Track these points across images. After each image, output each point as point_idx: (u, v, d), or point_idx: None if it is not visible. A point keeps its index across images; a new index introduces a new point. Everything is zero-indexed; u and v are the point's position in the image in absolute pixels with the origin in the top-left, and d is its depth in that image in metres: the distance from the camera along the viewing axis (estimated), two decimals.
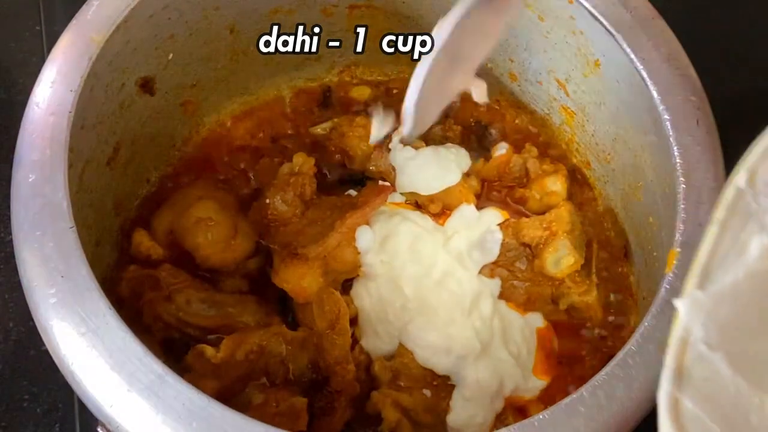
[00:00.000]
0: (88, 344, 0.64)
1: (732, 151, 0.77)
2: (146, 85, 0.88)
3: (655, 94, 0.78)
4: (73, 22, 0.79)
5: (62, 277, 0.66)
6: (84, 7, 0.79)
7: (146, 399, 0.62)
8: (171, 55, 0.90)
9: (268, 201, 0.92)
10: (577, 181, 1.00)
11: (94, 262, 0.69)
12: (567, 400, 0.64)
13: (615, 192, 0.95)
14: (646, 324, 0.67)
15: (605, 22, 0.82)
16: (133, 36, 0.81)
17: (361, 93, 1.08)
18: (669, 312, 0.68)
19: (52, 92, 0.74)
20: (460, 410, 0.83)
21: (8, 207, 0.71)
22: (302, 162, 0.94)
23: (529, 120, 1.05)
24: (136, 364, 0.63)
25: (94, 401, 0.63)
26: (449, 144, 0.99)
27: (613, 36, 0.81)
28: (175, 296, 0.86)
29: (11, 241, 0.70)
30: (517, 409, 0.86)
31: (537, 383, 0.87)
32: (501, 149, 0.98)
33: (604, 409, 0.64)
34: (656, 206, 0.82)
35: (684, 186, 0.73)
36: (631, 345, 0.66)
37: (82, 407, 0.90)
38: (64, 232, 0.68)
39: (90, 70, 0.76)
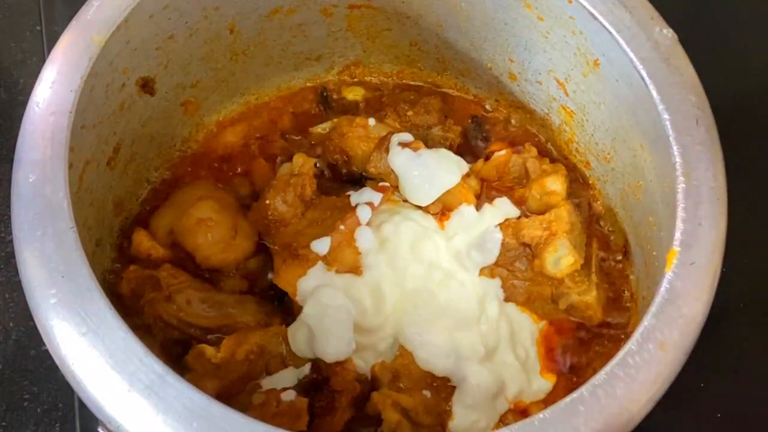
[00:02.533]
0: (88, 344, 0.64)
1: (732, 150, 0.78)
2: (146, 86, 0.88)
3: (654, 93, 0.78)
4: (73, 22, 0.79)
5: (62, 277, 0.66)
6: (84, 7, 0.79)
7: (147, 399, 0.62)
8: (171, 55, 0.90)
9: (268, 202, 0.92)
10: (577, 180, 1.00)
11: (94, 262, 0.69)
12: (567, 399, 0.64)
13: (615, 192, 0.95)
14: (645, 323, 0.67)
15: (605, 22, 0.82)
16: (133, 36, 0.81)
17: (355, 93, 1.08)
18: (669, 312, 0.68)
19: (52, 92, 0.74)
20: (462, 417, 0.83)
21: (8, 207, 0.71)
22: (302, 162, 0.94)
23: (529, 120, 1.05)
24: (137, 363, 0.64)
25: (95, 401, 0.63)
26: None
27: (612, 35, 0.81)
28: (176, 296, 0.86)
29: (11, 241, 0.70)
30: (519, 412, 0.86)
31: (543, 386, 0.87)
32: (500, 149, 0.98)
33: (604, 409, 0.64)
34: (656, 206, 0.82)
35: (684, 185, 0.73)
36: (631, 344, 0.66)
37: (82, 407, 0.91)
38: (65, 232, 0.68)
39: (90, 70, 0.76)
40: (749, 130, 1.06)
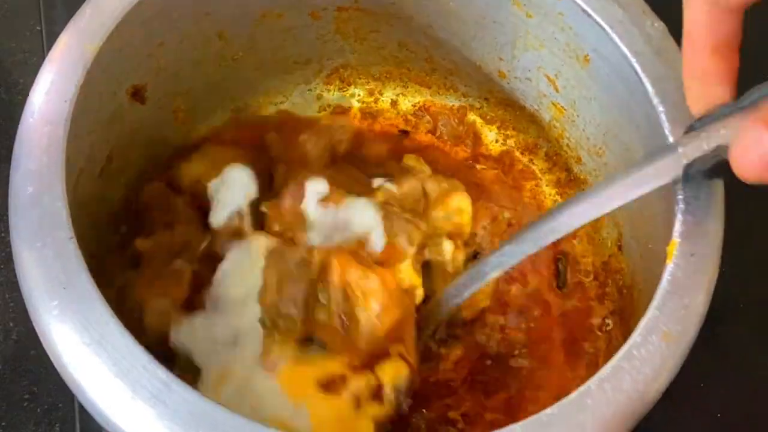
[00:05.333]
0: (91, 353, 0.64)
1: None
2: (138, 93, 0.88)
3: (648, 86, 0.78)
4: (67, 30, 0.78)
5: (64, 288, 0.66)
6: (77, 15, 0.79)
7: (152, 406, 0.62)
8: (162, 62, 0.89)
9: None
10: (569, 176, 1.01)
11: (93, 272, 0.68)
12: (574, 394, 0.64)
13: None
14: (649, 316, 0.68)
15: (596, 17, 0.82)
16: (125, 44, 0.81)
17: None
18: (671, 303, 0.68)
19: (47, 102, 0.74)
20: None
21: (8, 206, 0.70)
22: None
23: (518, 117, 1.05)
24: (141, 371, 0.63)
25: (99, 410, 0.63)
26: None
27: (604, 30, 0.81)
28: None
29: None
30: None
31: None
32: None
33: (611, 402, 0.64)
34: (650, 198, 0.82)
35: None
36: (635, 337, 0.67)
37: (82, 408, 0.90)
38: (64, 242, 0.67)
39: (84, 79, 0.75)
40: None
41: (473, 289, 0.83)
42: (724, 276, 0.71)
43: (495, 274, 0.80)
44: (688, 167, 0.68)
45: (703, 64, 0.66)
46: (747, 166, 0.59)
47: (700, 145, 0.67)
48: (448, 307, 0.86)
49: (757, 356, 1.01)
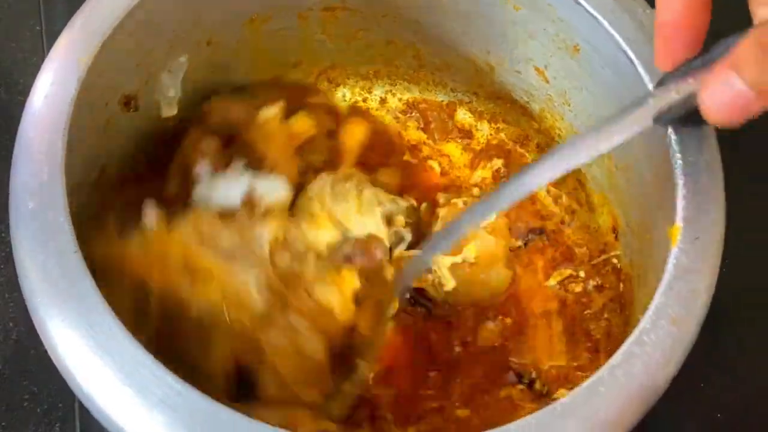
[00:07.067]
0: (97, 358, 0.63)
1: (731, 151, 0.78)
2: (129, 103, 0.87)
3: (643, 73, 0.78)
4: (60, 42, 0.78)
5: (69, 298, 0.65)
6: (67, 27, 0.79)
7: (160, 412, 0.62)
8: (152, 71, 0.89)
9: None
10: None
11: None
12: (587, 382, 0.64)
13: (601, 174, 0.96)
14: (657, 301, 0.68)
15: (587, 6, 0.82)
16: (115, 54, 0.80)
17: None
18: (678, 288, 0.69)
19: (42, 116, 0.73)
20: None
21: (8, 206, 0.70)
22: None
23: (509, 109, 1.06)
24: (148, 377, 0.63)
25: (108, 417, 0.63)
26: None
27: (596, 20, 0.82)
28: None
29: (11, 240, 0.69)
30: None
31: None
32: None
33: (623, 388, 0.64)
34: (647, 185, 0.83)
35: (680, 162, 0.74)
36: (644, 323, 0.67)
37: (82, 407, 0.90)
38: (68, 252, 0.67)
39: (78, 92, 0.75)
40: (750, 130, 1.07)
41: (442, 248, 0.86)
42: (724, 276, 0.71)
43: (465, 230, 0.83)
44: (659, 117, 0.68)
45: (676, 18, 0.67)
46: (716, 109, 0.61)
47: (670, 95, 0.67)
48: (418, 267, 0.89)
49: (757, 356, 1.01)
